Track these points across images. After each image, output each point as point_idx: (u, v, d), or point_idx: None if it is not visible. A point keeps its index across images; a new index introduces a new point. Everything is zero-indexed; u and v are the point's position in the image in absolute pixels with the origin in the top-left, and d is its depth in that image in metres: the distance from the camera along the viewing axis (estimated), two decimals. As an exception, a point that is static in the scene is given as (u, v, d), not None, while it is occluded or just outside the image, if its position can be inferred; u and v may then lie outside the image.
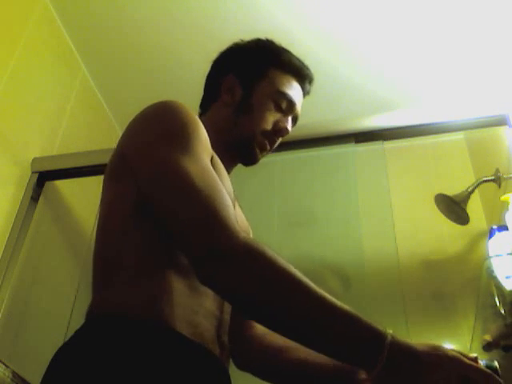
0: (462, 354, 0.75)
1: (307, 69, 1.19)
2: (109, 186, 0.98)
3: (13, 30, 1.84)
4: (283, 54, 1.18)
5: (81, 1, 2.07)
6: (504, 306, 1.60)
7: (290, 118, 1.15)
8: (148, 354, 0.78)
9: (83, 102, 2.24)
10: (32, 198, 1.85)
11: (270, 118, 1.12)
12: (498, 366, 0.76)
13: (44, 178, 1.91)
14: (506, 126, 1.69)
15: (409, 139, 1.87)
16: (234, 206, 1.02)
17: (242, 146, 1.11)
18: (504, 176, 1.81)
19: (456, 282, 1.95)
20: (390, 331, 0.74)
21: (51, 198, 1.96)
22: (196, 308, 0.87)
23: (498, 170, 1.84)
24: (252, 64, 1.17)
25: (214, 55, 1.23)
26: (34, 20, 1.95)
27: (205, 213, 0.80)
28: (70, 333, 0.87)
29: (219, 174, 0.92)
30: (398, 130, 1.79)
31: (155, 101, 0.98)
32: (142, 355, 0.78)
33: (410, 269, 1.97)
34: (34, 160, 1.90)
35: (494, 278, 1.65)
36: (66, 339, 0.86)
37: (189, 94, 2.35)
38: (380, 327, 0.75)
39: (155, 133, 0.91)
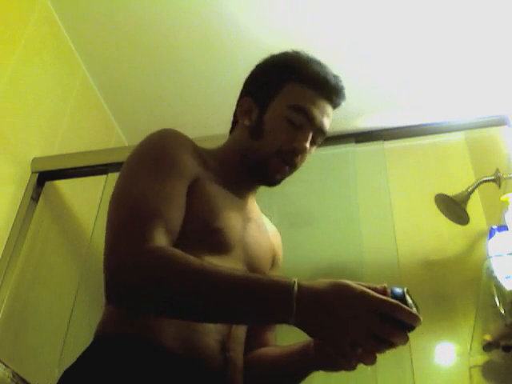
0: (369, 286, 0.77)
1: (330, 79, 1.06)
2: None
3: (13, 30, 1.84)
4: (303, 66, 1.06)
5: (81, 1, 2.06)
6: (504, 305, 1.60)
7: (310, 134, 1.04)
8: (131, 368, 0.82)
9: (83, 102, 2.24)
10: (32, 198, 1.86)
11: (284, 137, 1.03)
12: (405, 290, 0.76)
13: (44, 178, 1.92)
14: (506, 126, 1.69)
15: (409, 139, 1.87)
16: (246, 224, 1.05)
17: (256, 170, 1.06)
18: (504, 176, 1.81)
19: (456, 282, 1.94)
20: (294, 279, 0.77)
21: (51, 198, 1.96)
22: (196, 326, 0.89)
23: (498, 170, 1.84)
24: (267, 82, 1.07)
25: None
26: (34, 20, 1.95)
27: (126, 227, 0.84)
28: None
29: (210, 195, 0.97)
30: (397, 130, 1.79)
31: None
32: (125, 370, 0.81)
33: (410, 269, 1.97)
34: (34, 160, 1.90)
35: (494, 278, 1.65)
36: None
37: (188, 93, 2.36)
38: (284, 280, 0.78)
39: (138, 157, 0.98)
